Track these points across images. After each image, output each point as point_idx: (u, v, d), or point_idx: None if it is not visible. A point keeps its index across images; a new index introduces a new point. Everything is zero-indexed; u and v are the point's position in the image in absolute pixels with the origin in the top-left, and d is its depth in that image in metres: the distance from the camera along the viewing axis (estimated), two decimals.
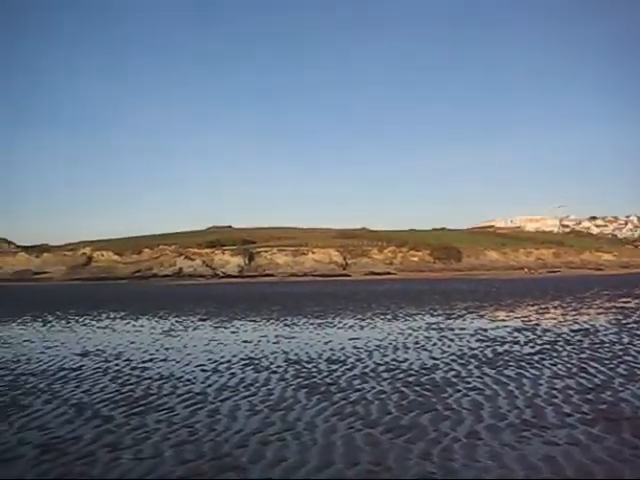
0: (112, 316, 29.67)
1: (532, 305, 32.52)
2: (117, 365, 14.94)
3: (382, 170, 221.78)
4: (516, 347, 16.91)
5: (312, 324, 24.22)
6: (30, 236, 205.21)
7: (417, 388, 11.61)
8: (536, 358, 14.94)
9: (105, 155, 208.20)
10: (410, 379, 12.52)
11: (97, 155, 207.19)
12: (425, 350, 16.60)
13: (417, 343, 18.00)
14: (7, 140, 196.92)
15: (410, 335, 19.95)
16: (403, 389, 11.57)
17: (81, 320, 27.68)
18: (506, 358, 15.00)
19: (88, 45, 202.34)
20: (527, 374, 12.89)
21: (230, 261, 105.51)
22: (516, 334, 19.72)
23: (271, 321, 25.84)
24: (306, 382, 12.38)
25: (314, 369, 13.91)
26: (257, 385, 12.19)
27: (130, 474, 7.12)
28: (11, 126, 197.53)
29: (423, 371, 13.42)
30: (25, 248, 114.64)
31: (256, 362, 15.04)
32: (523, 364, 14.11)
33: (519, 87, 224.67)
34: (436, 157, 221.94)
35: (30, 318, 29.02)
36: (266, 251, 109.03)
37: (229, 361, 15.29)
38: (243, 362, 15.08)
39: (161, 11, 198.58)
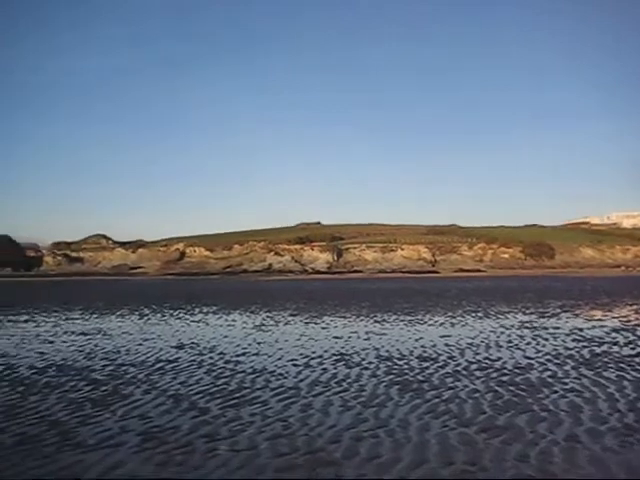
0: (205, 310, 30.38)
1: (631, 305, 31.30)
2: (211, 358, 15.28)
3: (472, 166, 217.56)
4: (615, 348, 16.32)
5: (402, 321, 24.09)
6: (127, 232, 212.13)
7: (512, 388, 11.37)
8: (637, 360, 14.38)
9: (199, 154, 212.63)
10: (504, 378, 12.27)
11: (192, 154, 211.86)
12: (518, 349, 16.24)
13: (510, 342, 17.63)
14: (110, 139, 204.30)
15: (502, 333, 19.56)
16: (497, 388, 11.35)
17: (175, 314, 28.47)
18: (605, 359, 14.49)
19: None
20: (628, 377, 12.41)
21: (319, 257, 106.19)
22: (614, 335, 19.03)
23: (361, 317, 25.85)
24: (398, 379, 12.32)
25: (406, 366, 13.83)
26: (349, 381, 12.22)
27: (227, 465, 7.26)
28: (108, 126, 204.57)
29: (517, 370, 13.12)
30: (122, 244, 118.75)
31: (347, 358, 15.08)
32: (623, 366, 13.59)
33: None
34: (528, 151, 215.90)
35: (128, 311, 30.05)
36: (355, 247, 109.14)
37: (320, 356, 15.39)
38: (334, 358, 15.15)
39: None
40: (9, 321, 25.34)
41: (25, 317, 27.08)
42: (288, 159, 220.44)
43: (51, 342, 18.49)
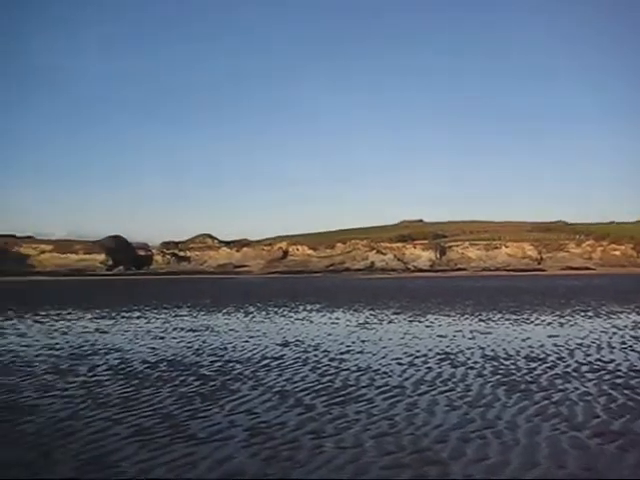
0: (309, 308, 30.72)
1: None
2: (316, 356, 15.42)
3: (579, 159, 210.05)
4: None
5: (508, 320, 23.58)
6: (232, 232, 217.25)
7: (627, 391, 10.88)
8: None
9: (300, 155, 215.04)
10: (618, 381, 11.78)
11: (293, 155, 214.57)
12: (633, 351, 15.56)
13: (623, 343, 16.92)
14: (213, 143, 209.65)
15: (615, 334, 18.80)
16: (611, 391, 10.90)
17: (280, 312, 28.92)
18: None
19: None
20: None
21: (421, 255, 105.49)
22: None
23: (465, 316, 25.48)
24: (505, 379, 12.05)
25: (512, 366, 13.50)
26: (454, 380, 12.05)
27: (333, 462, 7.30)
28: (212, 130, 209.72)
29: (632, 373, 12.56)
30: (227, 243, 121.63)
31: (452, 357, 14.88)
32: None
33: None
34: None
35: (233, 309, 30.77)
36: (458, 245, 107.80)
37: (425, 355, 15.26)
38: (439, 357, 14.99)
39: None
40: (122, 317, 26.43)
41: (137, 314, 28.19)
42: (389, 158, 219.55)
43: (162, 338, 19.16)
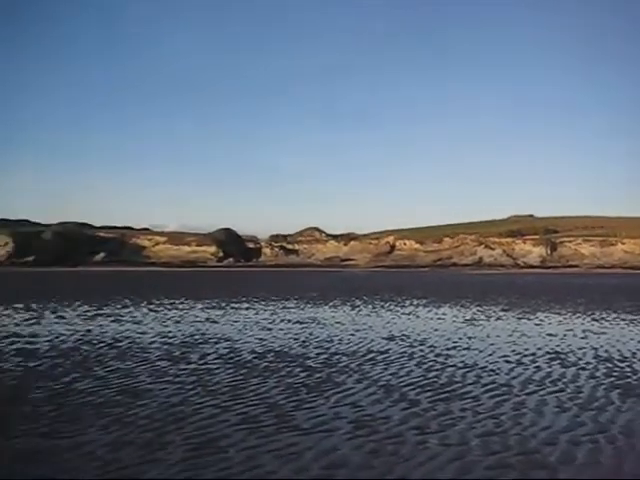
0: (415, 303, 30.55)
1: None
2: (421, 351, 15.33)
3: None
4: None
5: (623, 320, 22.64)
6: (339, 225, 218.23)
7: None
8: None
9: (408, 151, 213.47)
10: None
11: (404, 153, 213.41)
12: None
13: None
14: (320, 141, 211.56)
15: None
16: None
17: (386, 305, 28.90)
18: None
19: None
20: None
21: (531, 251, 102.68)
22: None
23: (577, 314, 24.67)
24: (619, 382, 11.59)
25: (628, 369, 12.96)
26: (564, 381, 11.69)
27: (437, 458, 7.25)
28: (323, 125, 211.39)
29: None
30: (334, 237, 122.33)
31: (563, 357, 14.44)
32: None
33: None
34: None
35: (340, 302, 30.97)
36: (570, 241, 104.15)
37: (533, 354, 14.87)
38: (548, 356, 14.57)
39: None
40: (232, 308, 27.13)
41: (246, 305, 28.85)
42: (498, 151, 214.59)
43: (269, 329, 19.54)
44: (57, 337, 17.22)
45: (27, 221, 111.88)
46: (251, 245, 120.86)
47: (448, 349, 15.63)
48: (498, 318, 23.37)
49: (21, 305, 27.10)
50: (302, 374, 12.27)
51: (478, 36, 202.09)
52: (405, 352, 15.11)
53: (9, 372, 12.26)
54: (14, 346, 15.60)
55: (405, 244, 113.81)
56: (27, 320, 21.40)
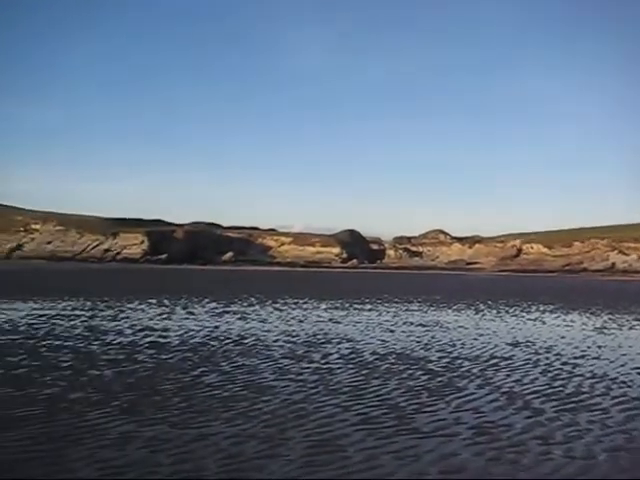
0: (542, 309, 29.66)
1: None
2: (547, 358, 14.86)
3: None
4: None
5: None
6: (464, 228, 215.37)
7: None
8: None
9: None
10: None
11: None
12: None
13: None
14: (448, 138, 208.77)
15: None
16: None
17: (511, 311, 28.23)
18: None
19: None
20: None
21: None
22: None
23: None
24: None
25: None
26: None
27: (561, 471, 7.02)
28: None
29: None
30: (459, 239, 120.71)
31: None
32: None
33: None
34: None
35: (464, 305, 30.52)
36: None
37: None
38: None
39: None
40: (354, 309, 27.31)
41: (369, 306, 28.95)
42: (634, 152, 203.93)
43: (391, 331, 19.54)
44: (187, 332, 17.96)
45: (161, 221, 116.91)
46: (375, 247, 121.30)
47: (576, 358, 15.08)
48: (631, 327, 22.28)
49: (154, 300, 28.45)
50: (423, 377, 12.20)
51: None
52: (530, 359, 14.71)
53: (143, 364, 12.92)
54: (148, 339, 16.43)
55: (532, 248, 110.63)
56: (160, 315, 22.46)
